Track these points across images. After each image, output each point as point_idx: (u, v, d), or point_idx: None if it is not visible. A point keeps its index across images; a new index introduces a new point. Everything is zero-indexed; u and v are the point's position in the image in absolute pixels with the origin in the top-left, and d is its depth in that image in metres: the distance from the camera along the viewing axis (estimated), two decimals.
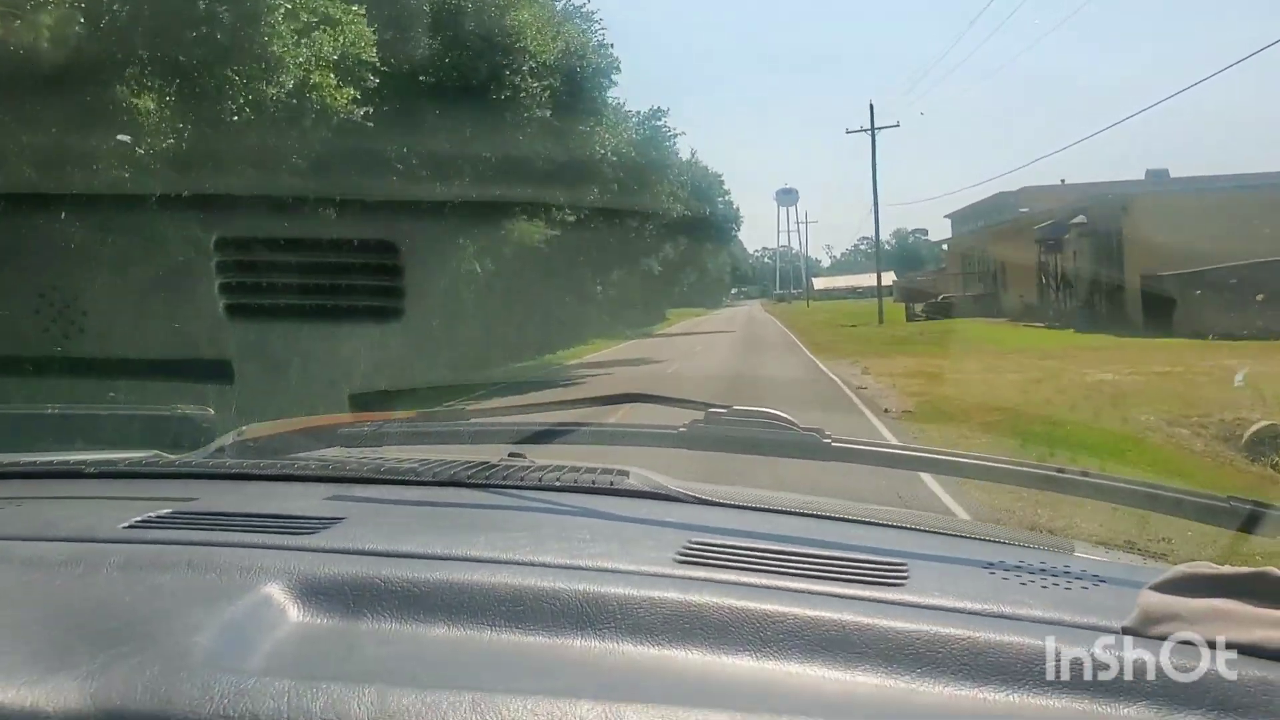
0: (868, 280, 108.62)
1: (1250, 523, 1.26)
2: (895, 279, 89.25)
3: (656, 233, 38.56)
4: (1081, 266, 28.10)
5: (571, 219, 22.57)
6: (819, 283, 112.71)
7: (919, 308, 40.18)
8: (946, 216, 59.20)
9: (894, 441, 7.09)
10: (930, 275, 57.29)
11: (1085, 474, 1.39)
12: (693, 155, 49.91)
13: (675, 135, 43.62)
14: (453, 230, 18.24)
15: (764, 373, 18.93)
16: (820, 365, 20.14)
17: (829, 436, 1.43)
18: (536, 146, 17.25)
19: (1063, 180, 45.38)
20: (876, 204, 43.08)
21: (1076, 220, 28.35)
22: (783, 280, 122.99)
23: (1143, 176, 40.80)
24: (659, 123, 38.04)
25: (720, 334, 40.00)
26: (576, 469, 1.55)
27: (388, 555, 1.09)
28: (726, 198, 55.58)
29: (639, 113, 37.92)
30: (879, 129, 42.36)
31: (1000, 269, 39.41)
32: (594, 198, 21.30)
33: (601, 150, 20.15)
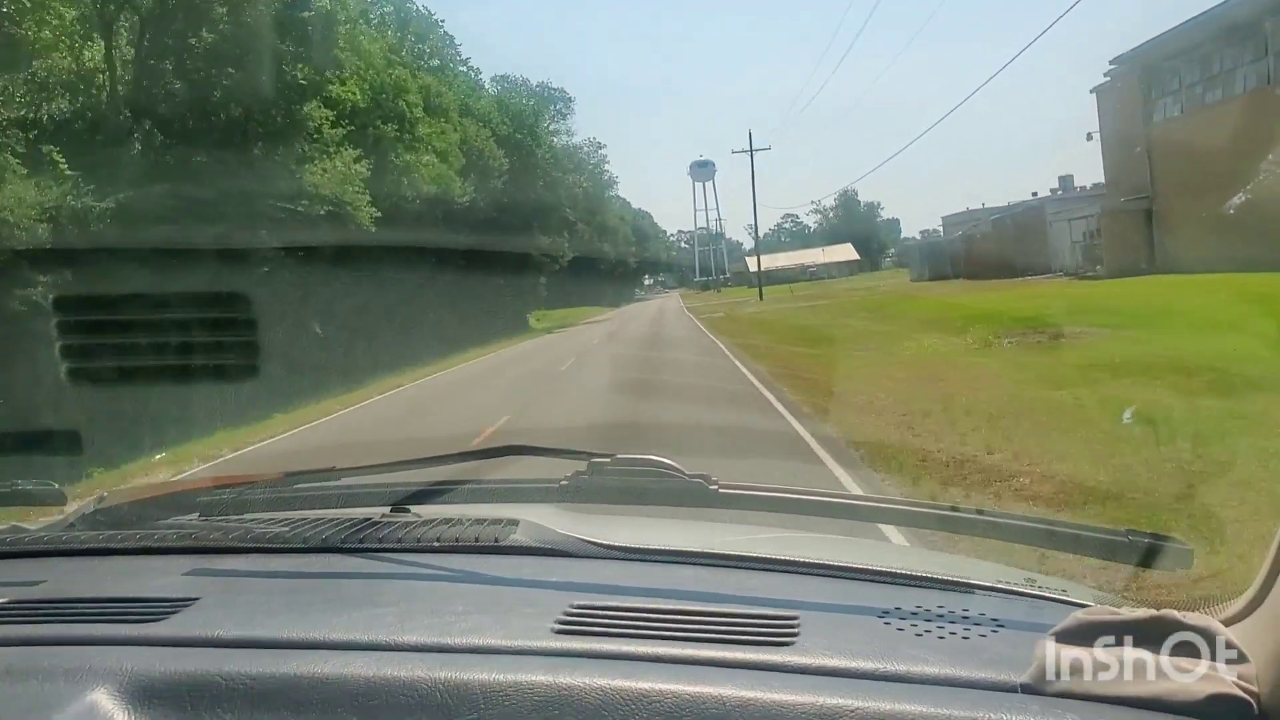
0: (821, 256, 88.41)
1: (1149, 556, 1.27)
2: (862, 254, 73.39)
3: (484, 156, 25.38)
4: None
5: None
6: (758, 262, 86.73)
7: None
8: (1092, 91, 30.53)
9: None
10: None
11: (980, 513, 1.42)
12: None
13: None
14: None
15: None
16: None
17: (715, 483, 1.43)
18: None
19: None
20: None
21: None
22: (703, 265, 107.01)
23: None
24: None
25: None
26: (463, 522, 1.49)
27: (235, 645, 1.03)
28: None
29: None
30: None
31: None
32: None
33: None
